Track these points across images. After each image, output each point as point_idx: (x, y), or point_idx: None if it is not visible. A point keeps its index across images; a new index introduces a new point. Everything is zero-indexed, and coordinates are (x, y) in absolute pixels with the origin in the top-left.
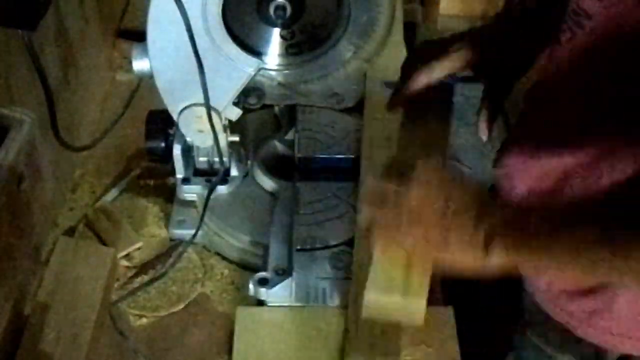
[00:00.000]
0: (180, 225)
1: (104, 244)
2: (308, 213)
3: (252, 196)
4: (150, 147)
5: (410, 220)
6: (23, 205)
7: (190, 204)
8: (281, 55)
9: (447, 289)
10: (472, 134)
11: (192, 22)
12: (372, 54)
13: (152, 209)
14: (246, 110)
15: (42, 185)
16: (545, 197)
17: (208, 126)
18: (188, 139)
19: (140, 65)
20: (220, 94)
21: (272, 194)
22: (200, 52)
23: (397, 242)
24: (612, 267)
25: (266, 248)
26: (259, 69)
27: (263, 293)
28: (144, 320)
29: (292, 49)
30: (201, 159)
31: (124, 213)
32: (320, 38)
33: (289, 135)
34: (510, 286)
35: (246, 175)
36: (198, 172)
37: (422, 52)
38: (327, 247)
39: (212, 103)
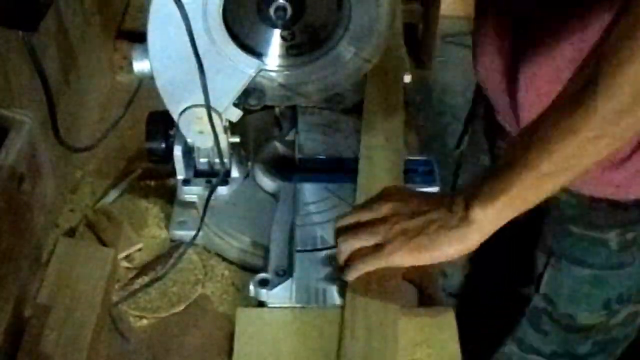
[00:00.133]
0: (181, 226)
1: (105, 245)
2: (309, 214)
3: (252, 197)
4: (150, 148)
5: (388, 230)
6: (23, 206)
7: (191, 205)
8: (281, 56)
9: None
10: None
11: (192, 23)
12: (373, 54)
13: (152, 210)
14: (247, 111)
15: (43, 186)
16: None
17: (208, 127)
18: (189, 140)
19: (140, 66)
20: (220, 95)
21: (273, 195)
22: (201, 53)
23: (375, 260)
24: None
25: (267, 249)
26: (260, 70)
27: (263, 294)
28: (145, 321)
29: (293, 49)
30: (202, 160)
31: (124, 214)
32: (321, 39)
33: (290, 136)
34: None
35: (247, 176)
36: (199, 173)
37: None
38: (328, 248)
39: (213, 104)
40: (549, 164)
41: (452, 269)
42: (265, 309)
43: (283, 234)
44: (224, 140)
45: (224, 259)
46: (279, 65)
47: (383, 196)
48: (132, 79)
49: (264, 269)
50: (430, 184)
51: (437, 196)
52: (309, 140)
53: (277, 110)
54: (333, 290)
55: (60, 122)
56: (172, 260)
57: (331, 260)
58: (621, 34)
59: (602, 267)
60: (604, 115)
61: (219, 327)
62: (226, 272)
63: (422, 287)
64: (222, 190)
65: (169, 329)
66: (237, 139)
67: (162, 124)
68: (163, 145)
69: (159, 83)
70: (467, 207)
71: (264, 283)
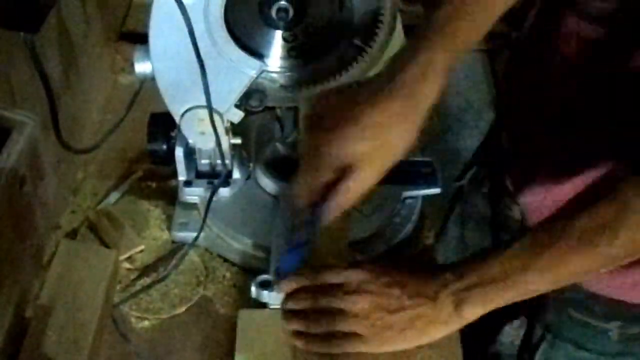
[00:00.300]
0: (183, 228)
1: (106, 246)
2: None
3: (254, 198)
4: (152, 150)
5: (369, 325)
6: (25, 208)
7: (193, 206)
8: (283, 57)
9: None
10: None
11: (193, 24)
12: (376, 55)
13: (154, 211)
14: (248, 113)
15: (44, 187)
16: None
17: (210, 128)
18: (190, 141)
19: (142, 67)
20: (222, 97)
21: (275, 197)
22: (202, 55)
23: (358, 347)
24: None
25: (268, 250)
26: (261, 72)
27: (265, 296)
28: (146, 322)
29: (295, 51)
30: (203, 161)
31: (126, 215)
32: (323, 40)
33: (291, 137)
34: None
35: (248, 177)
36: (200, 175)
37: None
38: None
39: (214, 105)
40: (546, 286)
41: None
42: (266, 311)
43: (285, 235)
44: (226, 141)
45: (226, 261)
46: (281, 67)
47: (360, 288)
48: (134, 81)
49: (265, 271)
50: (431, 185)
51: (419, 284)
52: None
53: (278, 111)
54: None
55: (61, 124)
56: (173, 262)
57: None
58: None
59: (601, 354)
60: (617, 258)
61: (220, 329)
62: (228, 274)
63: None
64: (223, 191)
65: (170, 331)
66: (238, 140)
67: (163, 126)
68: (164, 147)
69: (161, 84)
70: (457, 307)
71: (265, 284)
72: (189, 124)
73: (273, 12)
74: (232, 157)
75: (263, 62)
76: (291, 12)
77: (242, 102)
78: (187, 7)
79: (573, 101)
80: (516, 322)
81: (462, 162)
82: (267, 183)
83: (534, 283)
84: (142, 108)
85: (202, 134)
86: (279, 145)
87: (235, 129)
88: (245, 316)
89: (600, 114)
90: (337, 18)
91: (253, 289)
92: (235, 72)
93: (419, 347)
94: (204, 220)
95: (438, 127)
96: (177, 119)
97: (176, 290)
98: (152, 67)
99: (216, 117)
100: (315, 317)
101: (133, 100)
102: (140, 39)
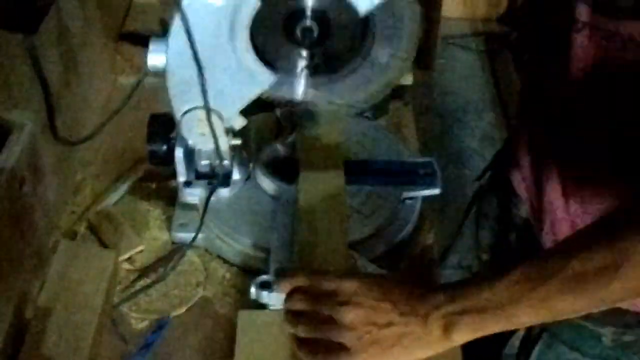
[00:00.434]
0: (182, 229)
1: (106, 247)
2: None
3: (254, 199)
4: (152, 150)
5: (357, 338)
6: (24, 209)
7: (192, 207)
8: (301, 74)
9: None
10: (473, 136)
11: (219, 28)
12: (409, 51)
13: (153, 212)
14: (247, 114)
15: (44, 188)
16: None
17: (209, 129)
18: (190, 142)
19: (155, 60)
20: (231, 102)
21: (274, 197)
22: (221, 58)
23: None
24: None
25: (268, 251)
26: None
27: (265, 296)
28: (146, 323)
29: (314, 68)
30: (203, 162)
31: (125, 216)
32: (344, 59)
33: (291, 138)
34: None
35: (248, 178)
36: (200, 175)
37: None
38: None
39: (222, 109)
40: (538, 320)
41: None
42: (266, 312)
43: (284, 236)
44: (225, 142)
45: (225, 261)
46: (305, 84)
47: (351, 300)
48: (134, 81)
49: (265, 272)
50: (431, 186)
51: (410, 302)
52: None
53: (278, 112)
54: None
55: (61, 124)
56: (173, 263)
57: None
58: None
59: (594, 357)
60: (612, 302)
61: (220, 329)
62: (227, 275)
63: None
64: (223, 192)
65: (170, 331)
66: (238, 141)
67: (163, 126)
68: (164, 148)
69: (171, 81)
70: (446, 330)
71: (265, 285)
72: (189, 124)
73: (298, 31)
74: (232, 157)
75: (280, 75)
76: (316, 32)
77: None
78: (217, 10)
79: (573, 101)
80: None
81: (462, 162)
82: (267, 183)
83: (526, 316)
84: (142, 109)
85: (202, 134)
86: (278, 146)
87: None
88: (245, 317)
89: (600, 114)
90: (358, 40)
91: (253, 289)
92: (251, 81)
93: None
94: (202, 221)
95: (438, 127)
96: (179, 117)
97: (176, 291)
98: (166, 61)
99: (215, 118)
100: (306, 322)
101: (130, 94)
102: (140, 39)
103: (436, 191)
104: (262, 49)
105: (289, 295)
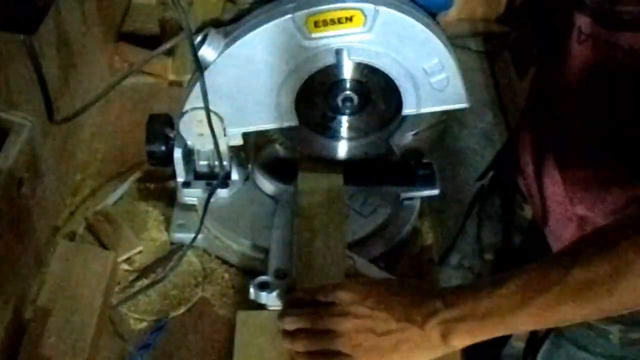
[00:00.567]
0: (181, 229)
1: (105, 247)
2: None
3: (252, 200)
4: (150, 151)
5: (355, 346)
6: (23, 210)
7: (191, 207)
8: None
9: None
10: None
11: (274, 71)
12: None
13: (152, 212)
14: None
15: (43, 189)
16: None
17: (209, 130)
18: (189, 142)
19: (208, 53)
20: (241, 125)
21: (273, 198)
22: (262, 95)
23: None
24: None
25: (267, 252)
26: None
27: (263, 297)
28: (145, 324)
29: (359, 131)
30: (202, 162)
31: (124, 217)
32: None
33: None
34: None
35: (247, 179)
36: (199, 176)
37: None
38: None
39: (230, 123)
40: (536, 326)
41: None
42: (265, 312)
43: (283, 236)
44: (224, 143)
45: (224, 262)
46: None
47: (348, 310)
48: (133, 82)
49: (264, 272)
50: (430, 186)
51: (407, 309)
52: None
53: None
54: None
55: (61, 126)
56: (172, 263)
57: None
58: None
59: (602, 356)
60: (611, 312)
61: (219, 330)
62: (226, 275)
63: None
64: (222, 192)
65: (169, 332)
66: (237, 142)
67: (162, 127)
68: (163, 148)
69: (210, 80)
70: (444, 336)
71: (263, 286)
72: (188, 125)
73: (339, 100)
74: (231, 158)
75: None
76: (356, 101)
77: None
78: (270, 67)
79: (574, 104)
80: None
81: (461, 162)
82: (266, 184)
83: (524, 324)
84: (141, 109)
85: (201, 135)
86: (277, 147)
87: None
88: (244, 317)
89: (600, 113)
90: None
91: (251, 290)
92: (277, 118)
93: None
94: (201, 221)
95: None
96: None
97: (175, 291)
98: (215, 62)
99: (215, 119)
100: (303, 337)
101: (119, 82)
102: (139, 40)
103: (435, 192)
104: (305, 116)
105: (282, 316)
